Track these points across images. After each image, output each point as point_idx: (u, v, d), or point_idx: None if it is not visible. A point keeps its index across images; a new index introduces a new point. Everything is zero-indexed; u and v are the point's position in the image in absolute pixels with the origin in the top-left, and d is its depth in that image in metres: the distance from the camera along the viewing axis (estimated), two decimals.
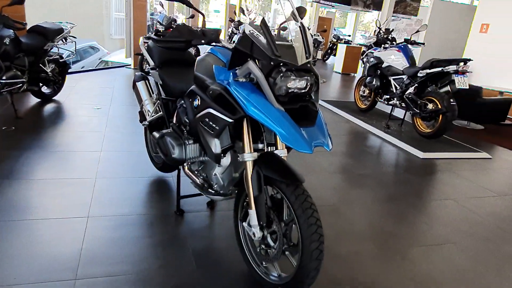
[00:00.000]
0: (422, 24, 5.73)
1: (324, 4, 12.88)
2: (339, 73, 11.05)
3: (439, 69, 4.37)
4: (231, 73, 1.65)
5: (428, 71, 4.50)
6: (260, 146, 1.85)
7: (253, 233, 1.71)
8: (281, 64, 1.52)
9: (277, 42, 1.54)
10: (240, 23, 7.44)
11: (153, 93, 2.67)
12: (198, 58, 1.97)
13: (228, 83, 1.63)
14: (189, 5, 1.85)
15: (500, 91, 6.72)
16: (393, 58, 5.14)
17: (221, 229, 2.33)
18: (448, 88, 4.50)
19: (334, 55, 13.04)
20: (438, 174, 3.79)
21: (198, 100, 1.77)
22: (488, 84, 7.47)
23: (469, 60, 4.35)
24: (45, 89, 4.52)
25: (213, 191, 2.05)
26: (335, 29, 18.72)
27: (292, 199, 1.56)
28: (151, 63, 2.55)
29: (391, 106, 5.26)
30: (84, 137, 3.57)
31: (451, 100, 4.32)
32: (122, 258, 1.94)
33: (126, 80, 6.48)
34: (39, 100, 4.58)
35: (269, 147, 1.82)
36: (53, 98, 4.68)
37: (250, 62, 1.56)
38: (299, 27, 1.63)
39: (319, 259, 1.53)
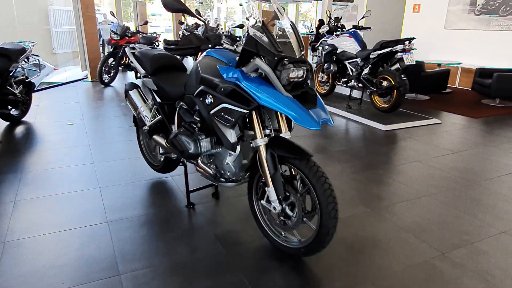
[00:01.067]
0: (366, 10, 6.22)
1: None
2: None
3: (389, 49, 4.86)
4: (238, 71, 1.89)
5: (379, 52, 4.98)
6: (267, 132, 2.10)
7: (274, 207, 1.97)
8: (283, 58, 1.78)
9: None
10: (197, 25, 7.55)
11: (147, 100, 2.82)
12: (198, 61, 2.17)
13: (237, 79, 1.86)
14: (192, 15, 2.05)
15: (438, 63, 7.47)
16: (346, 44, 5.58)
17: (232, 215, 2.56)
18: (397, 65, 5.01)
19: None
20: (401, 142, 4.27)
21: (210, 98, 1.98)
22: (427, 58, 8.26)
23: (413, 38, 4.88)
24: (13, 111, 4.42)
25: (224, 179, 2.27)
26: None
27: (306, 171, 1.84)
28: (142, 71, 2.70)
29: (349, 88, 5.72)
30: (70, 152, 3.61)
31: (402, 76, 4.83)
32: (154, 251, 2.12)
33: (89, 94, 6.40)
34: (8, 123, 4.48)
35: (274, 132, 2.08)
36: (22, 119, 4.58)
37: (257, 59, 1.80)
38: (290, 24, 1.90)
39: (336, 218, 1.83)
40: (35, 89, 4.66)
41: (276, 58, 1.78)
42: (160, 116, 2.67)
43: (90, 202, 2.65)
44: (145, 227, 2.36)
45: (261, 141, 1.95)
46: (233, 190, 2.88)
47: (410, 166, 3.52)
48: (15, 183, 2.91)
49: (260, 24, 1.82)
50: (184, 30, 9.75)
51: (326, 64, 5.82)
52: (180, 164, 2.64)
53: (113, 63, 6.69)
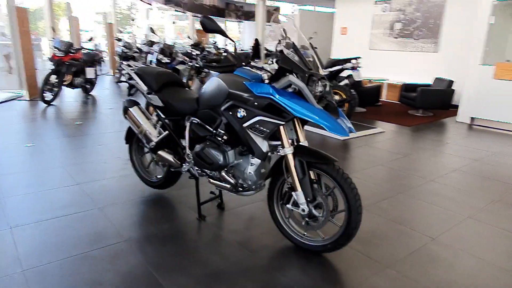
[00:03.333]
0: (313, 32, 6.77)
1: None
2: None
3: (340, 66, 5.42)
4: (270, 86, 2.08)
5: (330, 69, 5.52)
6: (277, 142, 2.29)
7: (302, 209, 2.18)
8: (313, 75, 2.04)
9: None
10: (152, 42, 7.42)
11: (150, 116, 2.83)
12: (220, 79, 2.30)
13: (271, 94, 2.05)
14: (226, 36, 2.19)
15: (368, 79, 8.40)
16: None
17: (244, 222, 2.69)
18: (346, 81, 5.60)
19: None
20: (359, 149, 4.78)
21: (243, 111, 2.13)
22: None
23: (359, 57, 5.51)
24: None
25: (243, 189, 2.41)
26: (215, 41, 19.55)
27: (334, 174, 2.09)
28: (144, 88, 2.72)
29: None
30: (47, 175, 3.38)
31: (352, 90, 5.41)
32: (188, 263, 2.16)
33: (33, 113, 5.91)
34: None
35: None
36: None
37: (291, 76, 2.03)
38: (310, 45, 2.17)
39: (361, 213, 2.10)
40: None
41: (307, 75, 2.02)
42: (166, 132, 2.71)
43: (97, 223, 2.57)
44: (168, 242, 2.37)
45: (289, 150, 2.15)
46: (236, 201, 3.00)
47: (376, 169, 3.99)
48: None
49: (292, 46, 2.06)
50: (123, 47, 9.52)
51: None
52: (190, 177, 2.69)
53: (56, 80, 6.28)
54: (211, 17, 2.06)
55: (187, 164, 2.64)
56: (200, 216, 2.69)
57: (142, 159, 3.18)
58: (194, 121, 2.56)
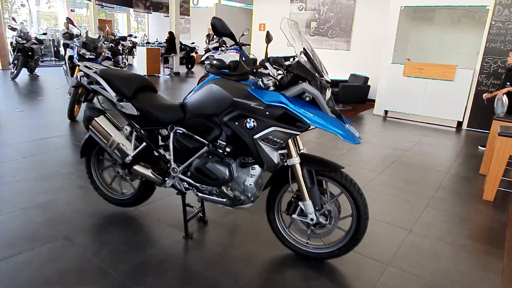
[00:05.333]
0: (245, 29, 6.70)
1: (105, 6, 12.31)
2: (145, 75, 11.10)
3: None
4: (281, 95, 1.97)
5: None
6: (281, 151, 2.23)
7: (311, 219, 2.14)
8: (325, 81, 1.99)
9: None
10: (71, 35, 6.37)
11: (121, 126, 2.45)
12: (222, 86, 2.08)
13: (283, 103, 1.94)
14: (234, 40, 1.99)
15: None
16: (234, 59, 5.93)
17: (234, 235, 2.55)
18: None
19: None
20: (319, 139, 4.93)
21: (253, 121, 1.98)
22: None
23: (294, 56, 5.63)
24: None
25: (240, 202, 2.27)
26: (118, 31, 18.04)
27: (343, 181, 2.10)
28: (113, 94, 2.34)
29: None
30: None
31: None
32: (198, 283, 1.96)
33: None
34: None
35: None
36: None
37: (304, 84, 1.95)
38: (312, 49, 2.12)
39: (368, 218, 2.15)
40: None
41: (320, 82, 1.97)
42: (144, 144, 2.39)
43: (72, 256, 2.15)
44: (165, 270, 2.11)
45: (297, 160, 2.09)
46: (215, 212, 2.82)
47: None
48: None
49: (303, 51, 1.97)
50: (17, 37, 8.21)
51: None
52: (177, 194, 2.43)
53: None
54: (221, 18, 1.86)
55: (171, 178, 2.37)
56: (187, 234, 2.46)
57: (103, 175, 2.77)
58: (179, 131, 2.30)
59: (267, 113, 1.96)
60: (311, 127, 1.96)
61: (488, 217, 3.11)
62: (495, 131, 4.02)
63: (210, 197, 2.31)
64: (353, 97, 7.71)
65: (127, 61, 12.88)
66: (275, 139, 1.98)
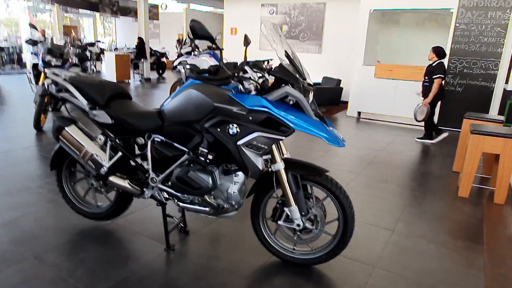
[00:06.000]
0: (218, 33, 6.62)
1: (70, 11, 11.88)
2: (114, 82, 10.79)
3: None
4: (264, 99, 1.91)
5: None
6: (265, 157, 2.18)
7: (297, 224, 2.10)
8: (308, 84, 1.96)
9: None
10: (34, 41, 6.00)
11: (93, 136, 2.31)
12: (202, 91, 2.00)
13: (266, 107, 1.89)
14: (213, 43, 1.91)
15: None
16: (208, 64, 5.84)
17: (218, 244, 2.47)
18: None
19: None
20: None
21: (236, 127, 1.91)
22: None
23: (271, 59, 5.63)
24: None
25: (224, 210, 2.20)
26: (84, 37, 17.46)
27: (329, 185, 2.07)
28: (84, 102, 2.21)
29: None
30: None
31: None
32: None
33: None
34: None
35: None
36: None
37: (287, 87, 1.90)
38: (292, 52, 2.08)
39: (354, 220, 2.13)
40: None
41: (302, 85, 1.93)
42: (120, 154, 2.27)
43: (44, 276, 1.99)
44: (146, 285, 2.00)
45: (281, 165, 2.04)
46: (194, 222, 2.72)
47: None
48: None
49: (285, 54, 1.93)
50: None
51: None
52: (157, 205, 2.32)
53: None
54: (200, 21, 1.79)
55: (150, 189, 2.27)
56: (169, 246, 2.35)
57: (75, 187, 2.61)
58: (157, 139, 2.20)
59: (250, 118, 1.91)
60: (295, 131, 1.92)
61: (465, 214, 3.19)
62: (466, 129, 4.15)
63: (192, 206, 2.22)
64: (327, 99, 7.80)
65: (95, 67, 12.46)
66: (259, 144, 1.92)
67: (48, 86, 2.32)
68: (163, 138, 2.19)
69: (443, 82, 5.56)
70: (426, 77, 5.56)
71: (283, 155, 2.18)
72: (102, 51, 13.21)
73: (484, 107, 6.49)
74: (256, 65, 2.31)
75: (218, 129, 1.96)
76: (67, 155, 2.49)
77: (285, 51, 1.95)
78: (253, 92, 2.01)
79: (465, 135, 4.17)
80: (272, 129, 1.90)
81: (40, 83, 4.84)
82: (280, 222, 2.16)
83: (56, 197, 2.97)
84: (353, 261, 2.34)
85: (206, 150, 2.04)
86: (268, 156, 2.08)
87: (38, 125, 4.79)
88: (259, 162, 1.98)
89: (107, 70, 11.03)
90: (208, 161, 2.04)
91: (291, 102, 1.93)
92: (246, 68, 2.11)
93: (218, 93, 1.99)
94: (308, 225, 2.14)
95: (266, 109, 1.90)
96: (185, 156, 2.12)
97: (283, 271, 2.21)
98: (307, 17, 9.30)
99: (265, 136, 1.90)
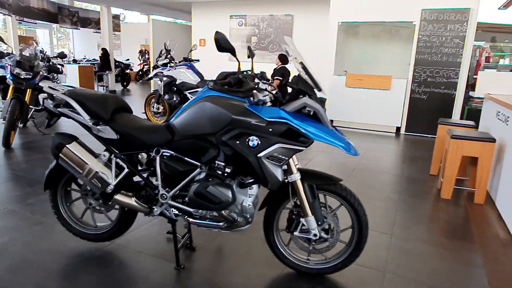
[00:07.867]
0: (193, 44, 6.56)
1: (27, 22, 11.27)
2: None
3: None
4: (282, 110, 1.92)
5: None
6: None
7: (314, 235, 2.11)
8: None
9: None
10: (1, 53, 5.56)
11: (96, 153, 2.19)
12: (217, 103, 1.97)
13: (285, 119, 1.89)
14: (235, 56, 1.89)
15: None
16: (185, 75, 5.77)
17: (228, 259, 2.41)
18: None
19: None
20: None
21: (256, 139, 1.89)
22: None
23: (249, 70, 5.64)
24: None
25: (238, 224, 2.16)
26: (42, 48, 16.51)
27: (344, 194, 2.10)
28: (87, 117, 2.10)
29: None
30: None
31: None
32: None
33: None
34: None
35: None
36: None
37: (306, 98, 1.93)
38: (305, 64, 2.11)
39: (368, 227, 2.17)
40: None
41: (318, 97, 1.96)
42: (127, 170, 2.17)
43: None
44: None
45: (298, 175, 2.05)
46: (196, 237, 2.65)
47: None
48: None
49: (301, 66, 1.96)
50: None
51: (167, 95, 5.80)
52: (168, 222, 2.23)
53: None
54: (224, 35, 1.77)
55: (159, 206, 2.18)
56: (179, 265, 2.27)
57: (71, 208, 2.46)
58: (166, 154, 2.14)
59: (270, 129, 1.90)
60: (314, 141, 1.94)
61: (451, 215, 3.36)
62: (441, 134, 4.40)
63: (204, 222, 2.16)
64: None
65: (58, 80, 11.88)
66: (280, 156, 1.92)
67: (43, 100, 2.18)
68: (173, 152, 2.13)
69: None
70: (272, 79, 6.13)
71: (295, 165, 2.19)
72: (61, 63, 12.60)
73: (448, 113, 6.92)
74: (263, 77, 2.32)
75: (237, 142, 1.93)
76: (64, 175, 2.34)
77: (301, 63, 1.98)
78: (268, 104, 2.02)
79: (441, 140, 4.41)
80: (292, 140, 1.91)
81: (7, 98, 4.53)
82: (296, 233, 2.16)
83: (44, 219, 2.78)
84: (362, 267, 2.38)
85: (223, 164, 2.01)
86: (284, 167, 2.08)
87: (7, 142, 4.46)
88: (279, 174, 1.97)
89: (70, 83, 10.55)
90: (225, 174, 2.00)
91: (310, 113, 1.96)
92: (257, 80, 2.11)
93: (235, 105, 1.97)
94: (323, 234, 2.16)
95: (286, 121, 1.91)
96: (197, 170, 2.07)
97: (298, 282, 2.20)
98: (276, 28, 9.48)
99: (286, 148, 1.91)
